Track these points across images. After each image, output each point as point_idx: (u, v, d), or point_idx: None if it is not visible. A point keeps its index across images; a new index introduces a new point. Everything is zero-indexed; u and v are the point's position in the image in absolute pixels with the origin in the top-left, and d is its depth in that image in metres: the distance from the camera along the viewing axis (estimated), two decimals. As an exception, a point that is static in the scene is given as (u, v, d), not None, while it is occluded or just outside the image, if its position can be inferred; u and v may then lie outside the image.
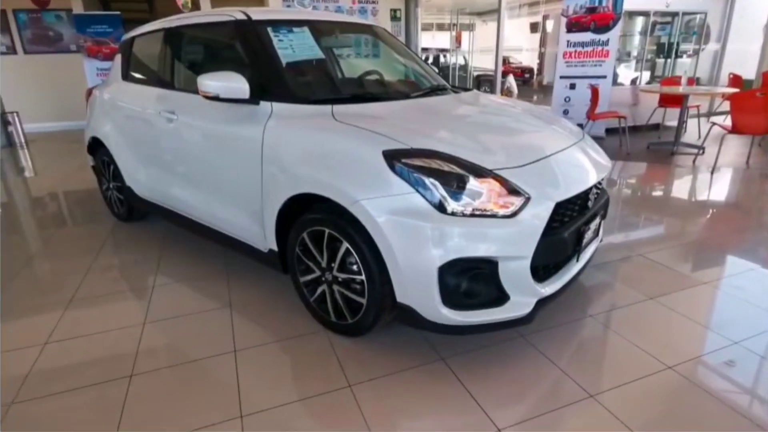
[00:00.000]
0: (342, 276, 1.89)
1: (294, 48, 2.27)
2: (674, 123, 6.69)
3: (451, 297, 1.66)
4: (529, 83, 18.14)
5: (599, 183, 2.17)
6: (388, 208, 1.63)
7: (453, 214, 1.59)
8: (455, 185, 1.61)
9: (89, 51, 7.73)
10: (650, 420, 1.54)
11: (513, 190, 1.65)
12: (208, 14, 2.51)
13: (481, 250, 1.61)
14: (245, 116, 2.14)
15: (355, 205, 1.68)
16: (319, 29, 2.61)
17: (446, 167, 1.63)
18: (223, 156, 2.26)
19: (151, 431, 1.53)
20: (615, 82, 6.77)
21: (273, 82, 2.11)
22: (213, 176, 2.38)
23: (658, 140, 6.08)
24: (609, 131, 6.42)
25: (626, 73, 7.49)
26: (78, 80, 7.90)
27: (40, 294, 2.49)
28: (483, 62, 13.95)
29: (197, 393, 1.70)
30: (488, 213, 1.62)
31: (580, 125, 6.01)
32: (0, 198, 4.48)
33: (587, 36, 6.10)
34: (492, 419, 1.56)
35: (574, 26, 6.19)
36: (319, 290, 2.02)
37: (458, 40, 9.52)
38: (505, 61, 17.69)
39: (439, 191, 1.59)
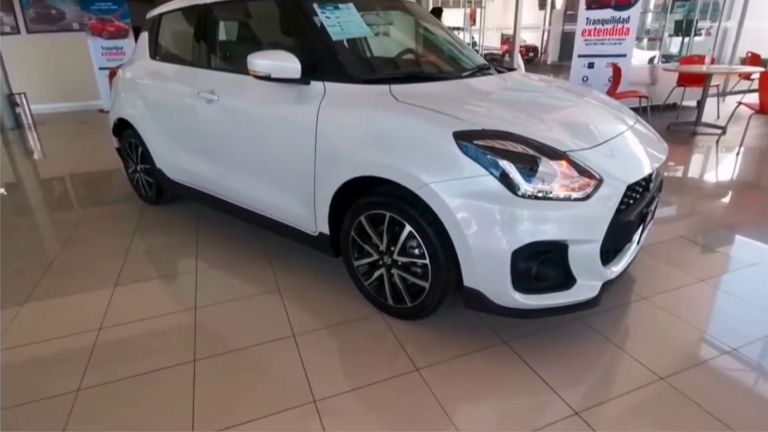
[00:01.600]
0: (403, 260, 1.87)
1: (342, 25, 2.19)
2: (692, 103, 6.64)
3: (521, 281, 1.64)
4: (534, 62, 17.90)
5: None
6: (460, 192, 1.60)
7: (526, 196, 1.56)
8: (528, 167, 1.58)
9: (93, 29, 7.54)
10: (725, 402, 1.55)
11: (586, 172, 1.62)
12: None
13: (554, 233, 1.59)
14: (295, 97, 2.08)
15: (423, 188, 1.65)
16: (358, 6, 2.54)
17: (519, 149, 1.60)
18: (271, 138, 2.21)
19: (228, 410, 1.53)
20: (633, 61, 6.64)
21: (325, 60, 2.05)
22: (258, 159, 2.33)
23: (678, 120, 6.02)
24: (648, 110, 6.33)
25: (639, 52, 7.37)
26: (83, 59, 7.73)
27: (82, 279, 2.46)
28: (489, 41, 13.73)
29: (267, 378, 1.70)
30: (561, 195, 1.59)
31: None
32: (0, 180, 4.42)
33: (607, 13, 5.97)
34: (565, 400, 1.56)
35: (594, 3, 6.05)
36: (376, 274, 2.00)
37: (473, 18, 9.32)
38: (508, 39, 17.39)
39: (513, 173, 1.56)
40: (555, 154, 1.61)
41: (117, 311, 2.14)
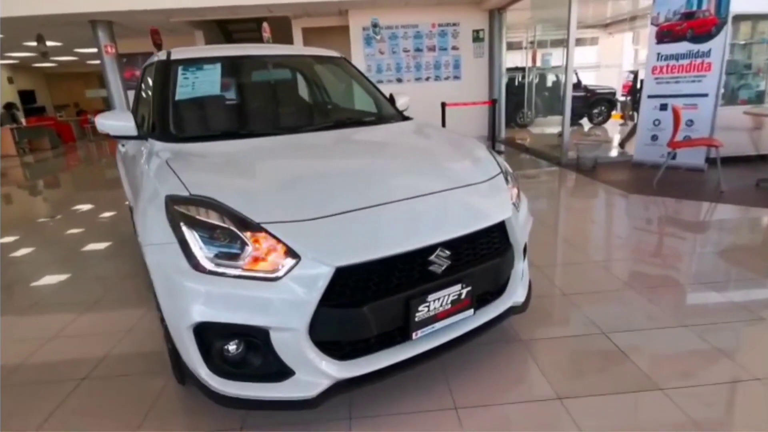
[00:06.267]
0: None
1: (194, 85, 2.31)
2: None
3: (215, 362, 1.47)
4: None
5: (482, 244, 1.73)
6: (158, 258, 1.52)
7: (207, 271, 1.41)
8: (218, 239, 1.44)
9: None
10: None
11: (285, 249, 1.41)
12: (155, 56, 2.71)
13: (236, 316, 1.40)
14: (142, 150, 2.23)
15: (143, 250, 1.61)
16: (259, 63, 2.65)
17: (213, 219, 1.46)
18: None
19: None
20: (735, 102, 5.40)
21: (157, 120, 2.17)
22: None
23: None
24: (717, 162, 5.10)
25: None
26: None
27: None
28: (606, 79, 12.43)
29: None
30: (249, 274, 1.40)
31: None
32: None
33: (682, 46, 4.98)
34: None
35: (666, 36, 5.12)
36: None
37: (533, 59, 8.71)
38: (636, 76, 15.55)
39: (195, 245, 1.43)
40: (250, 226, 1.44)
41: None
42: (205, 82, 2.34)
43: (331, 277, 1.39)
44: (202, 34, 9.22)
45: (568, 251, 3.17)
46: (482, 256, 1.73)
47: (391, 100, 2.82)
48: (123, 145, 2.95)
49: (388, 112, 2.64)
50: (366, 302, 1.45)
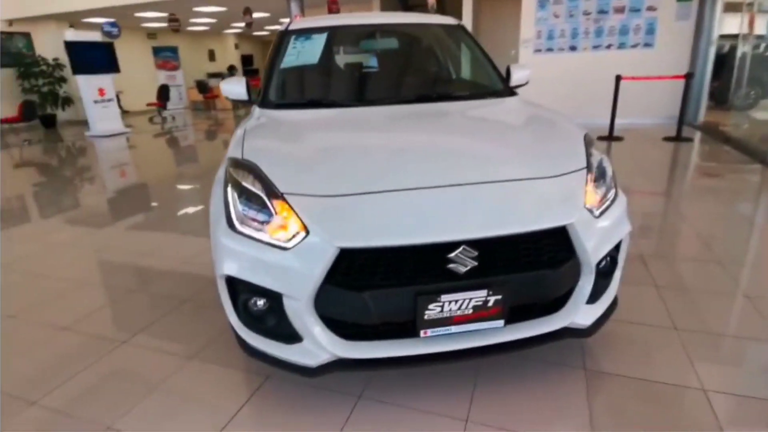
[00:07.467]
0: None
1: (299, 55, 2.45)
2: None
3: (241, 313, 1.63)
4: None
5: (527, 249, 1.49)
6: (212, 210, 1.73)
7: (237, 231, 1.54)
8: (251, 202, 1.56)
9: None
10: None
11: (300, 221, 1.45)
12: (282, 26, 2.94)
13: (252, 276, 1.52)
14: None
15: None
16: (368, 32, 2.69)
17: (249, 183, 1.58)
18: None
19: (91, 327, 2.24)
20: None
21: (263, 86, 2.39)
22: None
23: None
24: None
25: None
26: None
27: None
28: None
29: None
30: (269, 240, 1.49)
31: None
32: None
33: None
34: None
35: None
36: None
37: (750, 24, 6.46)
38: None
39: (232, 206, 1.58)
40: (275, 194, 1.51)
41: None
42: (309, 52, 2.46)
43: (335, 257, 1.38)
44: (378, 1, 9.60)
45: (710, 276, 2.47)
46: (527, 263, 1.48)
47: (507, 73, 2.56)
48: None
49: (491, 87, 2.41)
50: (368, 288, 1.41)
